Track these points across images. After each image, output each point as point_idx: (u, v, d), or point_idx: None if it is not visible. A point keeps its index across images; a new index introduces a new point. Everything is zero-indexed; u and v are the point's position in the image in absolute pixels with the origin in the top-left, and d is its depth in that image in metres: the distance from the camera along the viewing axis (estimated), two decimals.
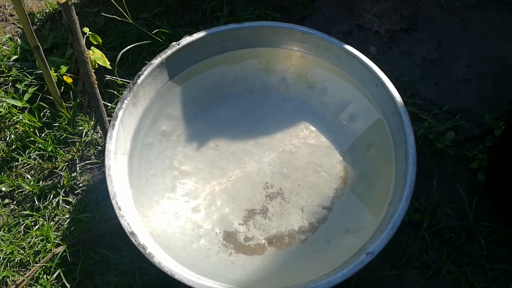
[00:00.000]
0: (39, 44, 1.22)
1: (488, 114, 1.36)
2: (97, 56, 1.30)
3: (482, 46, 1.56)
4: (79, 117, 1.43)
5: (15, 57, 1.56)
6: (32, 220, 1.28)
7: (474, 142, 1.36)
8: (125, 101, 1.17)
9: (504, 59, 1.53)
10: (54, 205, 1.30)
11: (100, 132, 1.42)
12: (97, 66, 1.33)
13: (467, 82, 1.49)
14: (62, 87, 1.45)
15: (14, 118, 1.44)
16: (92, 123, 1.41)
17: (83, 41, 1.11)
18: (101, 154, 1.38)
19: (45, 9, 1.72)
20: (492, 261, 1.18)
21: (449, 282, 1.16)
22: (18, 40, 1.63)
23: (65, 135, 1.40)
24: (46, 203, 1.30)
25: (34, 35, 1.20)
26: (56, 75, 1.40)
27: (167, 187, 1.24)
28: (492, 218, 1.24)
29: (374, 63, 1.22)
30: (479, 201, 1.27)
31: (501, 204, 1.25)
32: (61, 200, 1.31)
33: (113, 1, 1.38)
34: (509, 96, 1.43)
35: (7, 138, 1.41)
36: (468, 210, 1.24)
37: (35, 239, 1.24)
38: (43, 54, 1.26)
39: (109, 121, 1.16)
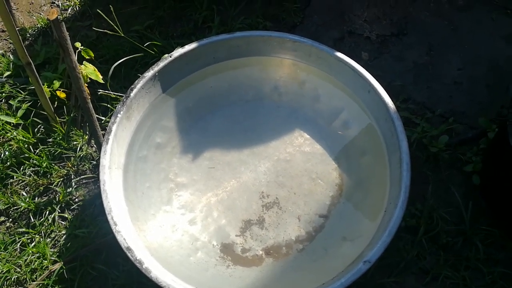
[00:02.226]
0: (31, 61, 1.22)
1: (481, 117, 1.36)
2: (89, 71, 1.30)
3: (473, 48, 1.57)
4: (73, 132, 1.43)
5: (7, 73, 1.56)
6: (28, 237, 1.27)
7: (468, 145, 1.37)
8: (119, 115, 1.17)
9: (495, 61, 1.53)
10: (50, 221, 1.29)
11: (95, 146, 1.42)
12: (89, 81, 1.33)
13: (459, 85, 1.49)
14: (56, 102, 1.45)
15: (8, 134, 1.44)
16: (86, 137, 1.41)
17: (75, 57, 1.11)
18: (96, 168, 1.38)
19: (37, 24, 1.72)
20: (489, 265, 1.18)
21: (447, 287, 1.16)
22: (11, 56, 1.62)
23: (59, 150, 1.40)
24: (42, 219, 1.30)
25: (26, 51, 1.20)
26: (49, 90, 1.40)
27: (163, 200, 1.23)
28: (488, 221, 1.24)
29: (366, 69, 1.23)
30: (475, 204, 1.27)
31: (496, 207, 1.25)
32: (57, 216, 1.30)
33: (104, 15, 1.39)
34: (502, 98, 1.44)
35: (2, 155, 1.40)
36: (464, 214, 1.25)
37: (32, 257, 1.23)
38: (35, 70, 1.26)
39: (103, 135, 1.16)
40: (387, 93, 1.19)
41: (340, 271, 1.02)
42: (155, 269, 0.98)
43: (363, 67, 1.23)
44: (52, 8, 1.78)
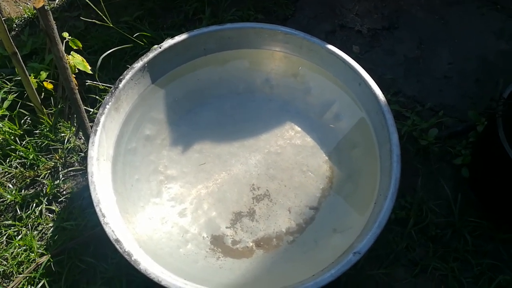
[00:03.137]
0: (17, 50, 1.20)
1: (470, 110, 1.37)
2: (77, 61, 1.28)
3: (463, 43, 1.58)
4: (61, 123, 1.41)
5: None
6: (14, 230, 1.25)
7: (457, 138, 1.38)
8: (107, 106, 1.15)
9: (485, 55, 1.55)
10: (37, 214, 1.27)
11: (83, 138, 1.40)
12: (77, 71, 1.31)
13: (449, 79, 1.50)
14: (43, 93, 1.43)
15: None
16: (74, 129, 1.39)
17: (62, 47, 1.09)
18: (85, 160, 1.36)
19: (24, 14, 1.69)
20: (478, 256, 1.19)
21: (436, 279, 1.17)
22: None
23: (46, 142, 1.38)
24: (28, 212, 1.27)
25: (11, 40, 1.17)
26: (36, 81, 1.38)
27: (152, 192, 1.22)
28: (477, 213, 1.26)
29: (357, 62, 1.23)
30: (464, 197, 1.28)
31: (485, 199, 1.26)
32: (44, 209, 1.28)
33: (92, 5, 1.36)
34: (491, 92, 1.45)
35: None
36: (453, 206, 1.26)
37: (18, 250, 1.21)
38: (21, 60, 1.23)
39: (91, 126, 1.14)
40: (378, 86, 1.19)
41: (330, 263, 1.02)
42: (144, 261, 0.97)
43: (354, 60, 1.23)
44: None
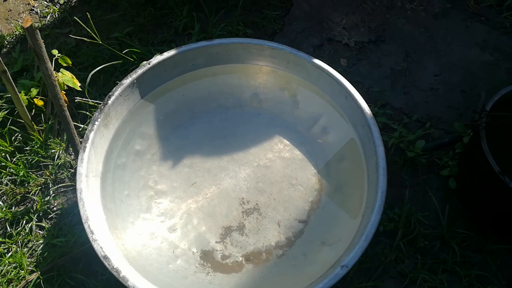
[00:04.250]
0: (6, 69, 1.21)
1: (456, 122, 1.39)
2: (66, 78, 1.29)
3: (448, 54, 1.61)
4: (51, 140, 1.41)
5: None
6: (4, 247, 1.25)
7: (444, 150, 1.39)
8: (96, 123, 1.16)
9: (470, 67, 1.57)
10: (27, 230, 1.27)
11: (73, 154, 1.40)
12: (67, 88, 1.32)
13: (435, 91, 1.52)
14: (33, 110, 1.44)
15: None
16: (64, 145, 1.39)
17: (50, 64, 1.10)
18: (75, 176, 1.36)
19: (15, 32, 1.70)
20: (466, 267, 1.20)
21: None
22: None
23: (37, 158, 1.38)
24: (19, 229, 1.28)
25: (1, 60, 1.19)
26: (27, 98, 1.39)
27: (142, 208, 1.23)
28: (465, 225, 1.27)
29: (345, 75, 1.25)
30: (452, 208, 1.29)
31: (472, 210, 1.27)
32: (34, 226, 1.28)
33: (82, 23, 1.38)
34: (476, 103, 1.47)
35: None
36: (441, 217, 1.27)
37: (8, 267, 1.21)
38: (10, 78, 1.24)
39: (81, 142, 1.15)
40: (365, 99, 1.20)
41: (318, 276, 1.02)
42: (132, 278, 0.97)
43: (342, 73, 1.25)
44: (30, 15, 1.76)
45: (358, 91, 1.20)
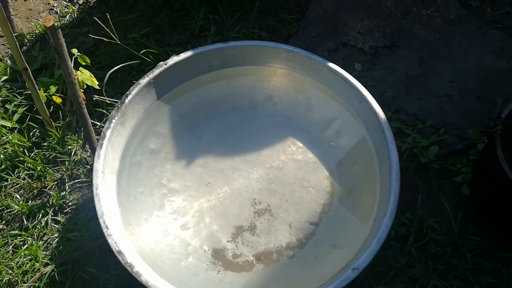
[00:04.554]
0: (27, 66, 1.24)
1: (471, 129, 1.38)
2: (85, 77, 1.32)
3: (464, 61, 1.60)
4: (68, 136, 1.44)
5: (4, 77, 1.57)
6: (20, 239, 1.28)
7: (458, 156, 1.39)
8: (113, 121, 1.19)
9: (485, 74, 1.56)
10: (43, 224, 1.30)
11: (89, 151, 1.43)
12: (85, 86, 1.35)
13: (450, 97, 1.52)
14: (52, 107, 1.47)
15: (4, 138, 1.45)
16: (81, 142, 1.42)
17: (71, 63, 1.13)
18: (91, 172, 1.39)
19: (35, 30, 1.74)
20: (477, 274, 1.19)
21: None
22: (8, 61, 1.64)
23: (54, 154, 1.41)
24: (35, 222, 1.30)
25: (22, 57, 1.22)
26: (46, 95, 1.42)
27: (155, 205, 1.25)
28: (477, 231, 1.26)
29: (359, 79, 1.25)
30: (464, 215, 1.28)
31: (486, 217, 1.27)
32: (50, 219, 1.31)
33: (101, 23, 1.41)
34: (491, 110, 1.46)
35: None
36: (454, 224, 1.26)
37: (24, 259, 1.24)
38: (31, 76, 1.27)
39: (98, 140, 1.17)
40: (379, 103, 1.21)
41: (329, 278, 1.03)
42: (145, 273, 0.99)
43: (356, 77, 1.26)
44: (50, 14, 1.80)
45: (372, 96, 1.21)
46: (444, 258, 1.23)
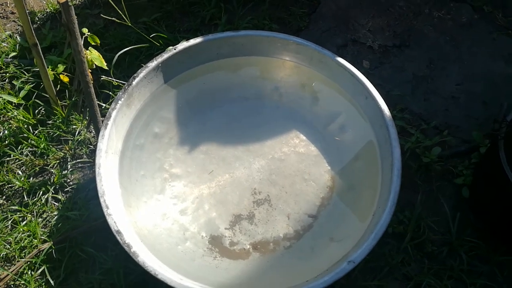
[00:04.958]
0: (37, 42, 1.24)
1: (475, 131, 1.38)
2: (94, 57, 1.32)
3: (472, 65, 1.60)
4: (73, 116, 1.45)
5: (13, 54, 1.58)
6: (20, 215, 1.28)
7: (460, 158, 1.39)
8: (119, 102, 1.19)
9: (492, 79, 1.56)
10: (43, 201, 1.31)
11: (93, 132, 1.43)
12: (94, 67, 1.35)
13: (456, 100, 1.52)
14: (58, 86, 1.47)
15: (9, 114, 1.45)
16: (85, 122, 1.43)
17: (81, 41, 1.13)
18: (93, 153, 1.39)
19: (46, 9, 1.74)
20: (472, 276, 1.20)
21: None
22: (18, 37, 1.65)
23: (58, 133, 1.42)
24: (35, 199, 1.31)
25: (33, 32, 1.22)
26: (53, 74, 1.42)
27: (156, 189, 1.25)
28: (475, 234, 1.26)
29: (366, 77, 1.25)
30: (463, 216, 1.29)
31: (484, 220, 1.27)
32: (50, 197, 1.32)
33: (113, 4, 1.41)
34: (496, 114, 1.46)
35: (0, 133, 1.42)
36: (451, 225, 1.26)
37: (22, 235, 1.24)
38: (40, 52, 1.28)
39: (103, 121, 1.17)
40: (385, 101, 1.21)
41: (324, 270, 1.03)
42: (142, 254, 0.99)
43: (364, 74, 1.26)
44: None
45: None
46: (439, 258, 1.23)
